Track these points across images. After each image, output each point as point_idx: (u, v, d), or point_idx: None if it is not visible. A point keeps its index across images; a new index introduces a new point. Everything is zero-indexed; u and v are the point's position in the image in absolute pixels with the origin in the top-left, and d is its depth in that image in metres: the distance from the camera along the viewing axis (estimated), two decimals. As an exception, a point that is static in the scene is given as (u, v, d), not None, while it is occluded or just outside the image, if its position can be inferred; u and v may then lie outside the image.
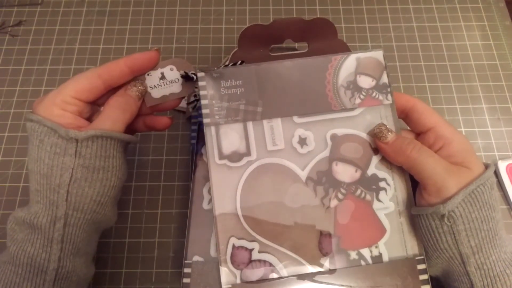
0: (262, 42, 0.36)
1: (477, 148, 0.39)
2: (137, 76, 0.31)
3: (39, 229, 0.27)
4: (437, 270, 0.30)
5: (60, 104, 0.28)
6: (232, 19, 0.46)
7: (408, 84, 0.42)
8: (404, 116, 0.32)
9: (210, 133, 0.31)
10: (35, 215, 0.27)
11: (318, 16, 0.46)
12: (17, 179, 0.39)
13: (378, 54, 0.33)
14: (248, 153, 0.31)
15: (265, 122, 0.32)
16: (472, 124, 0.41)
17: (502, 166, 0.38)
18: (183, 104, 0.40)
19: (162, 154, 0.39)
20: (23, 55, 0.44)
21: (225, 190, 0.31)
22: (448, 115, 0.41)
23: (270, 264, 0.30)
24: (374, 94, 0.32)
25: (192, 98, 0.40)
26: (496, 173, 0.38)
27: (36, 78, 0.43)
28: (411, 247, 0.30)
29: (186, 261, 0.32)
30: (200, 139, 0.36)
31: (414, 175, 0.30)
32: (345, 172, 0.31)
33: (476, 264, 0.27)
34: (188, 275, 0.31)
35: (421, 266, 0.30)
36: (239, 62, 0.34)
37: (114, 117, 0.29)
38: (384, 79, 0.32)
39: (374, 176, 0.31)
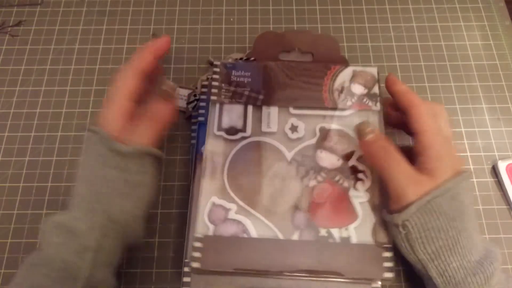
0: (274, 47, 0.40)
1: (477, 148, 0.39)
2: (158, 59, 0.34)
3: (76, 235, 0.27)
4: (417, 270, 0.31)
5: (120, 114, 0.30)
6: (232, 19, 0.46)
7: (408, 84, 0.42)
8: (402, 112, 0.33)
9: (214, 109, 0.36)
10: (74, 219, 0.28)
11: (318, 15, 0.46)
12: (17, 179, 0.39)
13: (373, 70, 0.37)
14: (243, 129, 0.35)
15: (264, 107, 0.36)
16: (472, 124, 0.41)
17: (502, 166, 0.38)
18: (183, 104, 0.40)
19: (162, 154, 0.39)
20: (23, 55, 0.44)
21: (217, 156, 0.34)
22: (448, 115, 0.41)
23: (243, 226, 0.32)
24: (364, 100, 0.36)
25: (192, 98, 0.40)
26: (496, 173, 0.38)
27: (36, 78, 0.43)
28: (380, 236, 0.31)
29: (186, 260, 0.32)
30: (200, 138, 0.36)
31: (382, 180, 0.30)
32: (327, 159, 0.34)
33: (437, 270, 0.27)
34: (188, 274, 0.32)
35: (386, 254, 0.30)
36: (252, 58, 0.39)
37: (150, 134, 0.30)
38: (375, 90, 0.36)
39: (354, 167, 0.34)
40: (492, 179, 0.38)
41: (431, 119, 0.31)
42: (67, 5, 0.47)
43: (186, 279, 0.32)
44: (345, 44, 0.44)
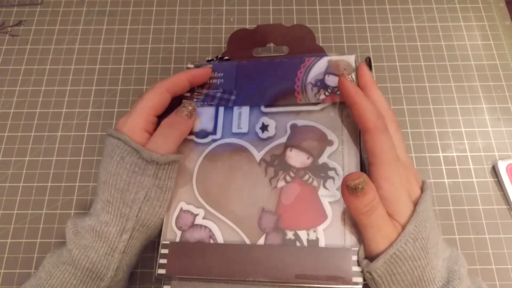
0: (248, 44, 0.39)
1: (477, 148, 0.39)
2: (193, 86, 0.36)
3: (105, 238, 0.29)
4: None
5: (144, 126, 0.31)
6: (232, 19, 0.46)
7: (408, 84, 0.42)
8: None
9: None
10: (105, 224, 0.29)
11: (318, 15, 0.46)
12: (17, 179, 0.39)
13: (350, 58, 0.35)
14: (214, 132, 0.34)
15: (235, 108, 0.35)
16: (472, 124, 0.41)
17: (502, 166, 0.38)
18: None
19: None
20: (23, 55, 0.44)
21: (186, 160, 0.34)
22: (448, 115, 0.41)
23: (210, 231, 0.31)
24: (339, 92, 0.34)
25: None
26: (496, 173, 0.38)
27: (36, 78, 0.43)
28: (350, 238, 0.30)
29: (163, 242, 0.32)
30: None
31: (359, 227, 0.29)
32: (297, 158, 0.33)
33: None
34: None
35: (356, 258, 0.29)
36: (226, 57, 0.38)
37: (173, 143, 0.31)
38: (352, 78, 0.33)
39: (325, 164, 0.32)
40: (492, 179, 0.38)
41: (386, 144, 0.29)
42: (67, 5, 0.47)
43: (162, 261, 0.31)
44: (345, 44, 0.44)
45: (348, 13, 0.46)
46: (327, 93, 0.34)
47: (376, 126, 0.29)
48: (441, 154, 0.39)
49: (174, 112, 0.33)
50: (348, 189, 0.27)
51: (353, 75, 0.34)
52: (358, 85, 0.32)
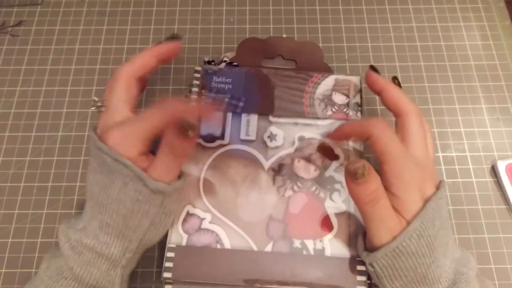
0: (257, 53, 0.40)
1: (476, 148, 0.39)
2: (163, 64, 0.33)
3: (107, 258, 0.28)
4: None
5: (142, 150, 0.29)
6: (232, 19, 0.46)
7: (408, 84, 0.42)
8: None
9: None
10: (106, 245, 0.28)
11: (318, 16, 0.46)
12: (18, 179, 0.39)
13: (356, 79, 0.37)
14: (221, 137, 0.35)
15: (243, 115, 0.36)
16: (472, 124, 0.41)
17: (502, 166, 0.38)
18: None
19: (162, 154, 0.39)
20: (23, 55, 0.44)
21: (193, 164, 0.34)
22: (448, 115, 0.41)
23: (217, 235, 0.32)
24: (345, 109, 0.36)
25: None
26: (496, 173, 0.38)
27: (36, 78, 0.43)
28: (355, 249, 0.31)
29: (169, 245, 0.32)
30: None
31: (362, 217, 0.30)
32: (305, 169, 0.34)
33: None
34: (170, 259, 0.31)
35: (361, 268, 0.30)
36: (234, 63, 0.39)
37: (177, 167, 0.29)
38: (357, 99, 0.36)
39: (331, 177, 0.33)
40: (492, 179, 0.38)
41: (396, 143, 0.29)
42: (67, 5, 0.47)
43: (168, 264, 0.31)
44: (345, 44, 0.44)
45: (348, 13, 0.46)
46: (333, 110, 0.36)
47: (411, 111, 0.30)
48: (440, 154, 0.39)
49: (176, 131, 0.27)
50: (349, 174, 0.27)
51: (358, 96, 0.35)
52: (374, 90, 0.32)
